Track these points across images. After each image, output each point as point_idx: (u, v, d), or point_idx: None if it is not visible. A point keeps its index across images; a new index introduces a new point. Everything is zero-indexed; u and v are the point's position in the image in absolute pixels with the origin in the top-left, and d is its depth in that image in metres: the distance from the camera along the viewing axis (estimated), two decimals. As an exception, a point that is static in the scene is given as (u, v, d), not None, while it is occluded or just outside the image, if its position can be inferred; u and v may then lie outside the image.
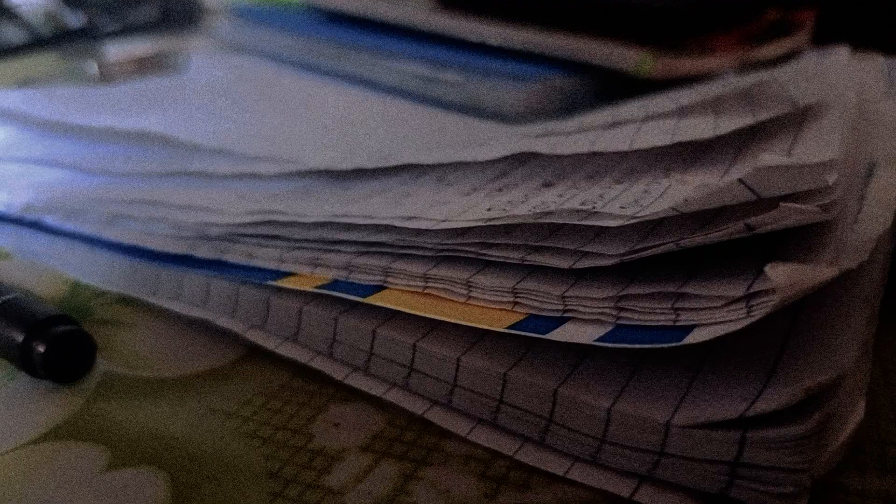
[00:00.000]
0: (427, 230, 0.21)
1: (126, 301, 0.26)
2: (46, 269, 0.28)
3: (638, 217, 0.18)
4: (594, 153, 0.24)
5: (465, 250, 0.20)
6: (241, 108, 0.39)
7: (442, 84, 0.40)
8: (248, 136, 0.32)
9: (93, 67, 0.40)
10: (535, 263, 0.19)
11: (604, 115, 0.28)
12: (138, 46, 0.50)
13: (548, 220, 0.19)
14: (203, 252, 0.24)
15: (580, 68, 0.39)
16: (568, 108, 0.38)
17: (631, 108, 0.28)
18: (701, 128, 0.24)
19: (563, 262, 0.19)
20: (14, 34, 0.63)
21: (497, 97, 0.38)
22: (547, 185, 0.24)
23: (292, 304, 0.22)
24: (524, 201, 0.22)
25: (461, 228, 0.20)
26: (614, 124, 0.27)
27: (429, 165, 0.26)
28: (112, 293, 0.26)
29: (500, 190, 0.24)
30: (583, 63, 0.39)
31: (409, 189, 0.25)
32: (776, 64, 0.41)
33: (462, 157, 0.25)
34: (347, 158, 0.27)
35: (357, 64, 0.45)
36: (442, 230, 0.21)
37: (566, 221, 0.19)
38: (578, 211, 0.19)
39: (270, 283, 0.22)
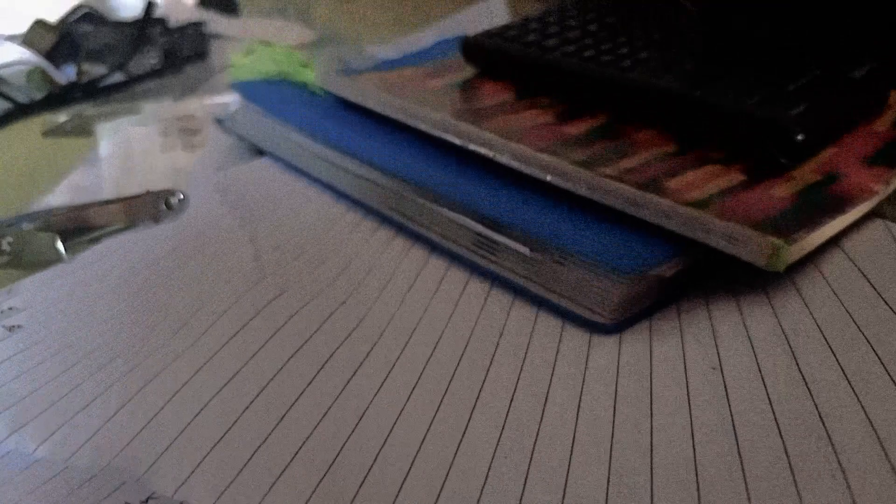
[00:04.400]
0: None
1: None
2: None
3: None
4: None
5: None
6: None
7: (505, 253, 0.30)
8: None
9: (56, 241, 0.30)
10: None
11: None
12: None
13: None
14: None
15: (685, 243, 0.28)
16: (665, 296, 0.28)
17: None
18: None
19: None
20: (-5, 101, 0.52)
21: (577, 286, 0.27)
22: None
23: None
24: None
25: None
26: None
27: None
28: None
29: None
30: (689, 238, 0.28)
31: None
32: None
33: None
34: None
35: (391, 200, 0.34)
36: None
37: None
38: None
39: None
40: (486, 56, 0.42)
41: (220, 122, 0.42)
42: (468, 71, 0.43)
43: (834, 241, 0.29)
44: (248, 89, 0.41)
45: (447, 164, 0.33)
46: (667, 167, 0.31)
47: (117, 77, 0.55)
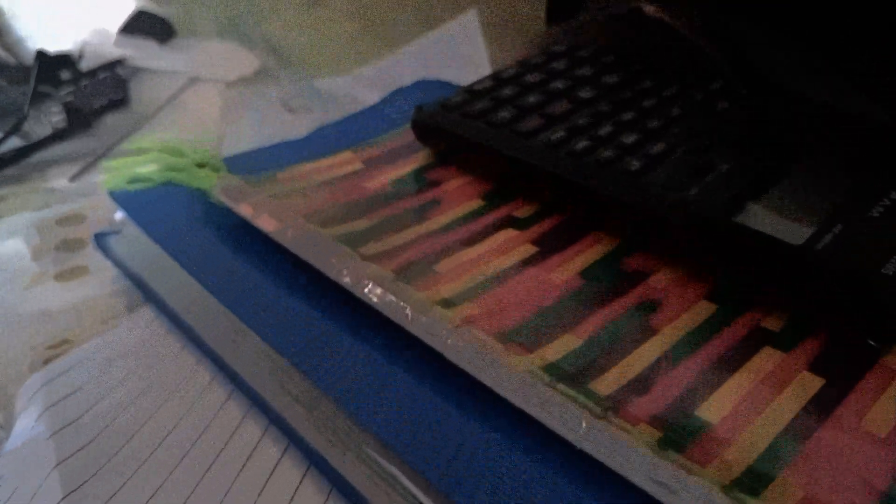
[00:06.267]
0: None
1: None
2: None
3: None
4: None
5: None
6: None
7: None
8: None
9: None
10: None
11: None
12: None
13: None
14: None
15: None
16: None
17: None
18: None
19: None
20: None
21: None
22: None
23: None
24: None
25: None
26: None
27: None
28: None
29: None
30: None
31: None
32: None
33: None
34: None
35: (303, 412, 0.23)
36: None
37: None
38: None
39: None
40: (445, 140, 0.30)
41: (99, 241, 0.30)
42: (423, 155, 0.31)
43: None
44: (128, 201, 0.30)
45: (385, 357, 0.22)
46: (700, 365, 0.20)
47: (13, 143, 0.43)
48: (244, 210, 0.27)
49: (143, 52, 0.53)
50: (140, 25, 0.55)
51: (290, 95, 0.47)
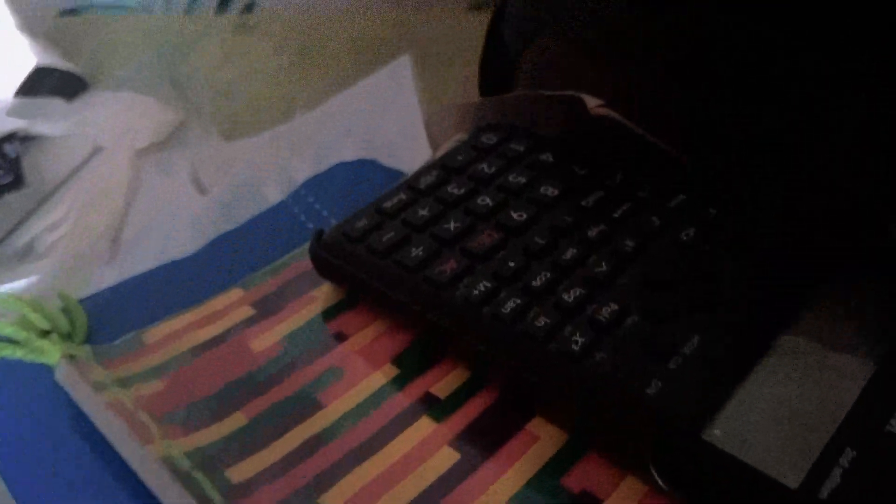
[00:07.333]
0: None
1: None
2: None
3: None
4: None
5: None
6: None
7: None
8: None
9: None
10: None
11: None
12: None
13: None
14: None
15: None
16: None
17: None
18: None
19: None
20: None
21: None
22: None
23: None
24: None
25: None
26: None
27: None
28: None
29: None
30: None
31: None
32: None
33: None
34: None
35: None
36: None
37: None
38: None
39: None
40: (348, 281, 0.24)
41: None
42: (328, 290, 0.25)
43: None
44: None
45: None
46: None
47: None
48: (89, 406, 0.21)
49: (41, 118, 0.45)
50: (42, 84, 0.47)
51: (204, 164, 0.41)
